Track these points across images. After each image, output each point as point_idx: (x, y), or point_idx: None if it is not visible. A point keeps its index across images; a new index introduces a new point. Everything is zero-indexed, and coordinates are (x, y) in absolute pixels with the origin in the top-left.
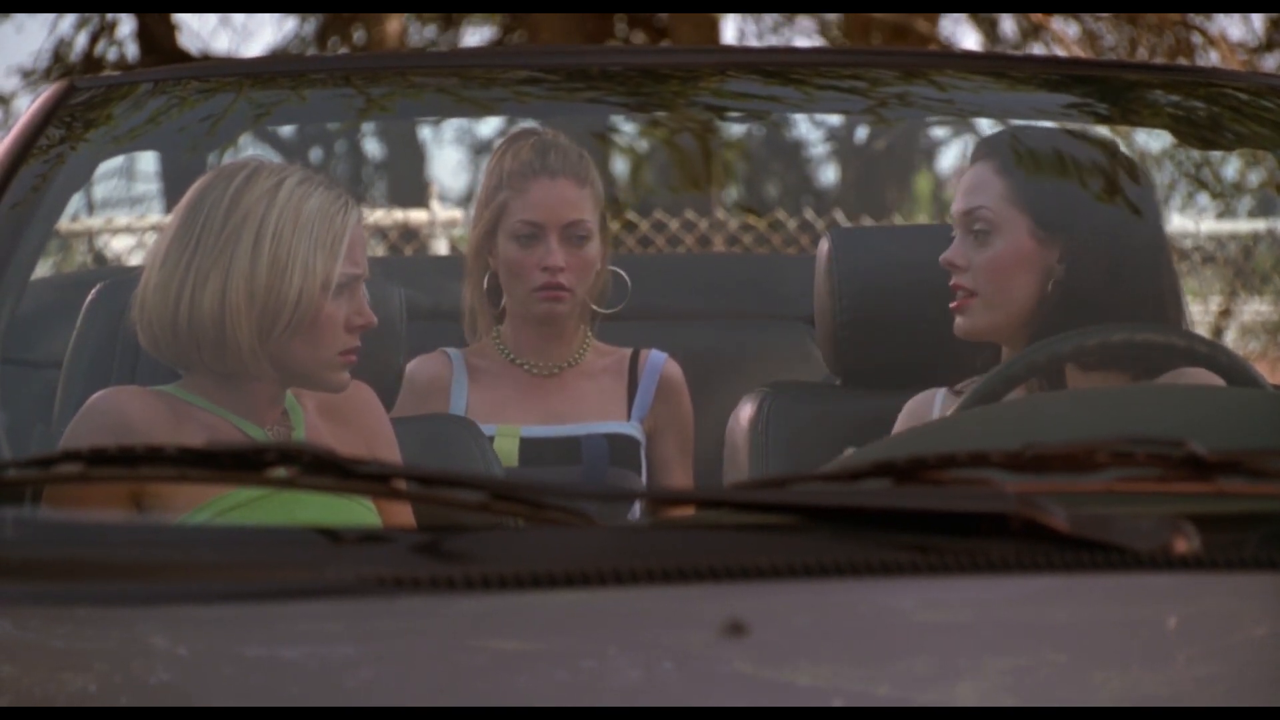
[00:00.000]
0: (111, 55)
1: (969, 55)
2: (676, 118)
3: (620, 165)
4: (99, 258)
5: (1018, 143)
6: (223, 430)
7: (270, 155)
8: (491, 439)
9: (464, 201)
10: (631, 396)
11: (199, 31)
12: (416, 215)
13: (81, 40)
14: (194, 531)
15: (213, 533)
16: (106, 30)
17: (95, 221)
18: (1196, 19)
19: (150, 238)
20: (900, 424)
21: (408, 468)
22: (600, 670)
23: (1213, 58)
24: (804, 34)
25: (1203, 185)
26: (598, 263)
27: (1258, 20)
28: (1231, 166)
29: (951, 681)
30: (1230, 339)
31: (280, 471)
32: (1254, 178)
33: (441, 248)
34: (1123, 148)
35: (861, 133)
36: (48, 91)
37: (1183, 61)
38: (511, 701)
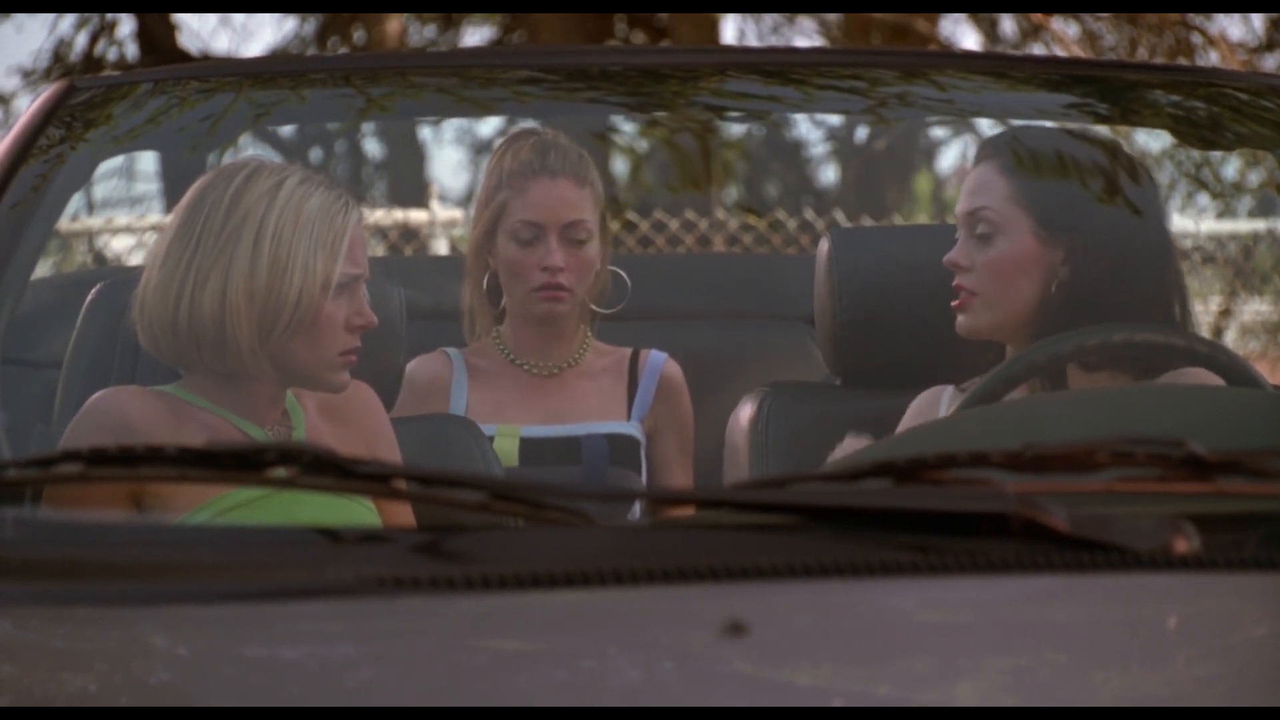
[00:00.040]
0: (111, 55)
1: (969, 55)
2: (676, 118)
3: (620, 165)
4: (99, 258)
5: (1022, 143)
6: (223, 430)
7: (270, 155)
8: (491, 439)
9: (464, 201)
10: (631, 396)
11: (199, 31)
12: (416, 215)
13: (81, 40)
14: (194, 531)
15: (213, 533)
16: (106, 30)
17: (95, 221)
18: (1196, 19)
19: (150, 238)
20: (907, 419)
21: (408, 468)
22: (600, 670)
23: (1213, 58)
24: (805, 35)
25: (1203, 185)
26: (597, 263)
27: (1258, 20)
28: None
29: (951, 681)
30: (1230, 339)
31: (280, 471)
32: (1254, 178)
33: (441, 248)
34: (1126, 149)
35: (861, 133)
36: (48, 91)
37: (1183, 61)
38: (511, 701)
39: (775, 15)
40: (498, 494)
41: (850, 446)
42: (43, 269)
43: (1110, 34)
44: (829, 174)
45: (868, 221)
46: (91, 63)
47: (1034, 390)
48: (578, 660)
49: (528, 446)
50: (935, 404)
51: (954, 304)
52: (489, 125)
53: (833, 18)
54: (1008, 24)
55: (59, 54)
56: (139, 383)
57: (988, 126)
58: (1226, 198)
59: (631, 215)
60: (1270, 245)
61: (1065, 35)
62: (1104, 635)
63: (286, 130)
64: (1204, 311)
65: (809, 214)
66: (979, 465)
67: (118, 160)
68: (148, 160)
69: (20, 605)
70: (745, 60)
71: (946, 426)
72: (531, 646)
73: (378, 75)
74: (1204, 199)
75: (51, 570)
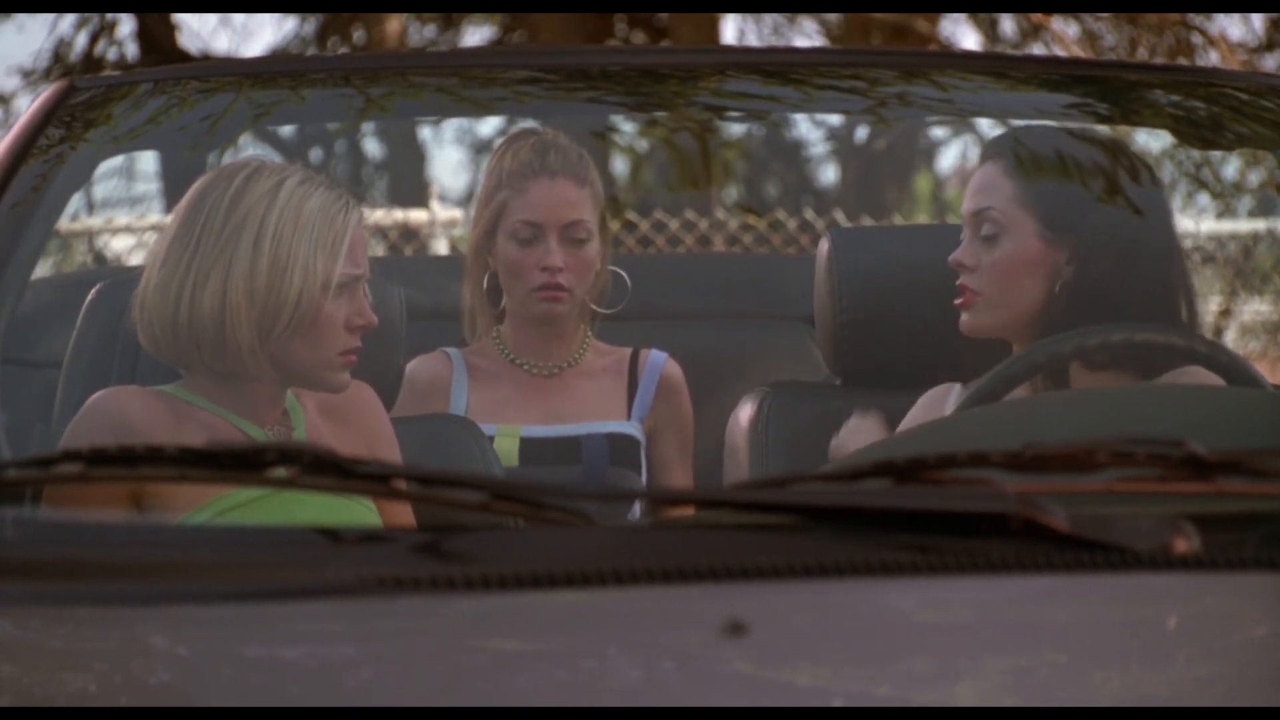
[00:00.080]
0: (111, 55)
1: (969, 55)
2: (676, 118)
3: (620, 165)
4: (99, 258)
5: (1028, 144)
6: (223, 430)
7: (270, 155)
8: (491, 439)
9: (464, 201)
10: (631, 396)
11: (199, 31)
12: (416, 215)
13: (81, 40)
14: (194, 531)
15: (213, 533)
16: (106, 30)
17: (95, 221)
18: (1196, 19)
19: (150, 238)
20: (913, 415)
21: (408, 468)
22: (600, 670)
23: (1213, 58)
24: (806, 35)
25: (1203, 185)
26: (597, 263)
27: (1258, 20)
28: (1231, 166)
29: (951, 681)
30: (1230, 339)
31: (280, 471)
32: (1254, 178)
33: (441, 248)
34: (1133, 149)
35: (861, 133)
36: (48, 91)
37: (1183, 61)
38: (511, 701)
39: (775, 16)
40: (498, 494)
41: (857, 427)
42: (43, 269)
43: (1110, 34)
44: (829, 174)
45: (868, 221)
46: (91, 63)
47: (1036, 390)
48: (578, 660)
49: (528, 446)
50: (942, 402)
51: (957, 302)
52: (489, 125)
53: (833, 18)
54: (1008, 24)
55: (59, 54)
56: (139, 383)
57: (988, 126)
58: (1226, 198)
59: (631, 215)
60: (1270, 245)
61: (1065, 35)
62: (1104, 635)
63: (286, 130)
64: (1204, 311)
65: (809, 214)
66: (979, 465)
67: (118, 160)
68: (148, 160)
69: (20, 605)
70: (745, 60)
71: (946, 426)
72: (531, 646)
73: (378, 75)
74: (1204, 199)
75: (51, 570)
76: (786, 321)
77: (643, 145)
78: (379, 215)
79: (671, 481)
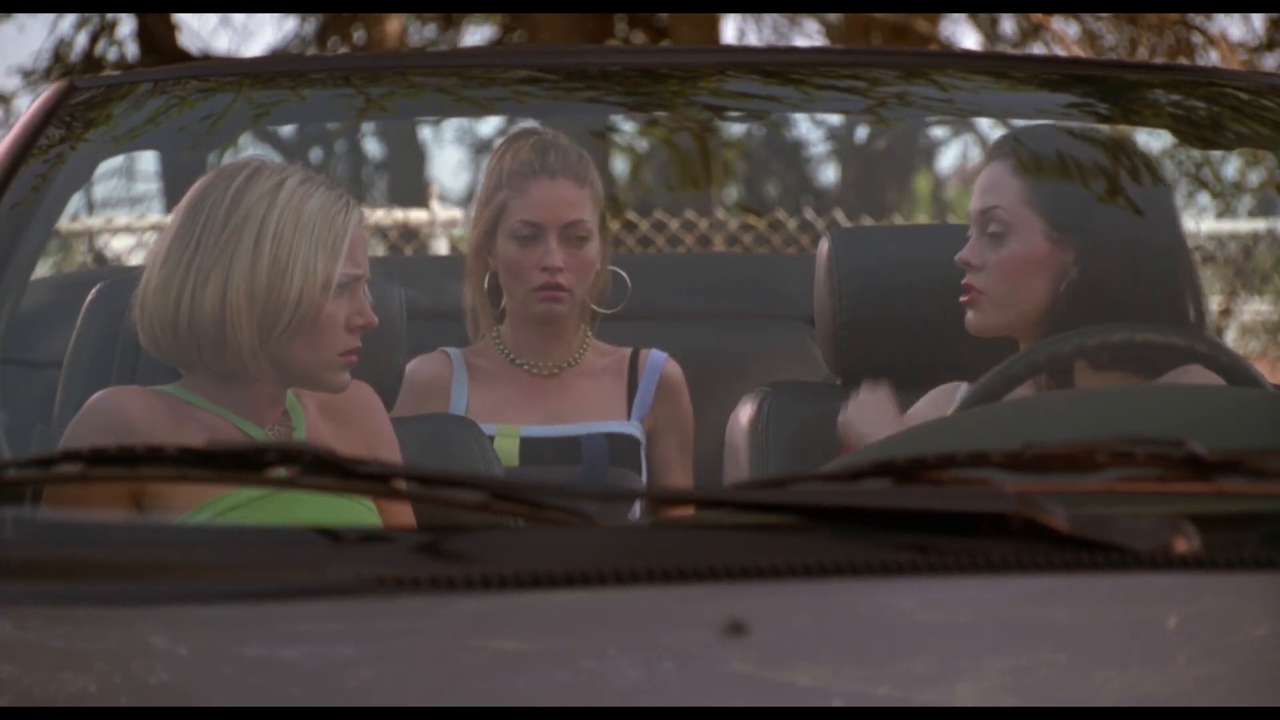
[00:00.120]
0: (111, 55)
1: (969, 55)
2: (676, 118)
3: (620, 165)
4: (99, 258)
5: (1034, 143)
6: (223, 430)
7: (270, 155)
8: (491, 439)
9: (464, 201)
10: (631, 396)
11: (199, 31)
12: (416, 215)
13: (81, 40)
14: (194, 531)
15: (213, 533)
16: (106, 30)
17: (95, 221)
18: (1196, 19)
19: (150, 238)
20: (919, 411)
21: (408, 468)
22: (600, 670)
23: (1213, 58)
24: (806, 35)
25: (1203, 185)
26: (597, 263)
27: (1258, 20)
28: (1231, 166)
29: (951, 681)
30: (1230, 339)
31: (280, 471)
32: (1254, 178)
33: (441, 248)
34: (1140, 150)
35: (861, 133)
36: (48, 91)
37: (1183, 61)
38: (511, 701)
39: (776, 18)
40: (498, 494)
41: (866, 400)
42: (43, 269)
43: (1110, 34)
44: (829, 174)
45: (868, 221)
46: (91, 63)
47: (1038, 390)
48: (578, 660)
49: (528, 446)
50: (948, 401)
51: (963, 300)
52: (489, 125)
53: (833, 18)
54: (1008, 24)
55: (59, 54)
56: (139, 383)
57: (988, 126)
58: (1226, 198)
59: (631, 215)
60: (1270, 245)
61: (1065, 35)
62: (1104, 635)
63: (286, 130)
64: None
65: (809, 214)
66: (979, 465)
67: (118, 160)
68: (148, 160)
69: (20, 605)
70: (745, 60)
71: (946, 426)
72: (531, 646)
73: (378, 75)
74: (1204, 199)
75: (51, 570)
76: (786, 321)
77: (643, 145)
78: (379, 215)
79: (671, 481)
